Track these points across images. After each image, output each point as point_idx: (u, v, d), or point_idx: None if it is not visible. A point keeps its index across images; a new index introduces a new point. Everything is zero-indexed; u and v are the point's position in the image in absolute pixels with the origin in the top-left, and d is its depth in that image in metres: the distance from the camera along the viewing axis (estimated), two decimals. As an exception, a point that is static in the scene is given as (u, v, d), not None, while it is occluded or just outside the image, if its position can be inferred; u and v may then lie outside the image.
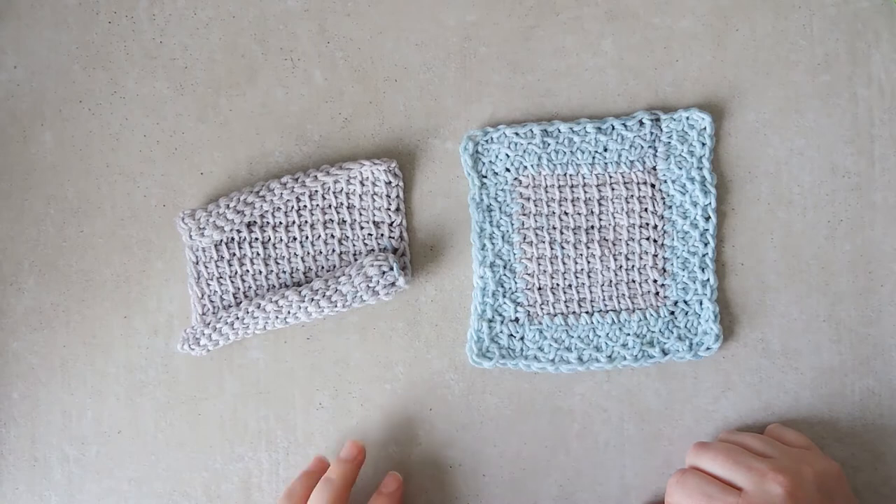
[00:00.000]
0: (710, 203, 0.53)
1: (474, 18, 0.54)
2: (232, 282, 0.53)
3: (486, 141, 0.53)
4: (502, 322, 0.53)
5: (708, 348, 0.53)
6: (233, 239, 0.53)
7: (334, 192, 0.53)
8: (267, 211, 0.52)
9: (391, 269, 0.51)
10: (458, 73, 0.54)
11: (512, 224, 0.53)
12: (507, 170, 0.53)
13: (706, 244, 0.53)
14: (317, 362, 0.54)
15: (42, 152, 0.54)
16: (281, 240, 0.53)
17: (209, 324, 0.52)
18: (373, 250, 0.53)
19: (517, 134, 0.53)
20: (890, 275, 0.54)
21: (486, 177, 0.54)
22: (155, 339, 0.54)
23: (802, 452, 0.49)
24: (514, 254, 0.53)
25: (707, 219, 0.53)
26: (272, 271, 0.53)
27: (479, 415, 0.54)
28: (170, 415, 0.54)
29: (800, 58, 0.54)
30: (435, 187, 0.54)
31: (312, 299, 0.51)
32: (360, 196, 0.53)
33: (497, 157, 0.53)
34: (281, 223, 0.53)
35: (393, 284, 0.51)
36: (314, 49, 0.54)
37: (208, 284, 0.53)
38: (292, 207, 0.53)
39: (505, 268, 0.53)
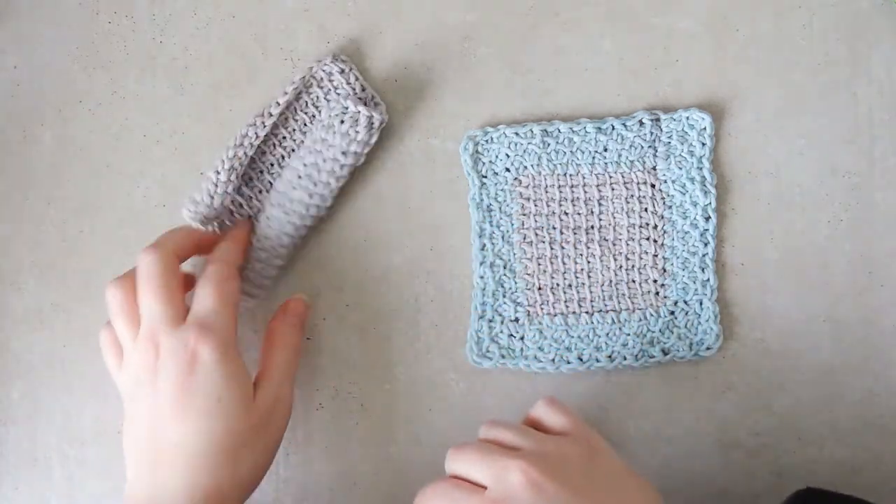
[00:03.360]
0: (710, 203, 0.53)
1: (474, 18, 0.54)
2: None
3: (486, 141, 0.53)
4: (502, 322, 0.53)
5: (708, 348, 0.53)
6: (232, 212, 0.52)
7: (303, 111, 0.53)
8: (255, 165, 0.52)
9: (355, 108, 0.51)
10: (458, 73, 0.54)
11: (512, 224, 0.53)
12: (507, 170, 0.53)
13: (706, 244, 0.53)
14: (317, 362, 0.54)
15: (42, 152, 0.54)
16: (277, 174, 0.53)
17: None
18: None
19: (517, 134, 0.53)
20: (890, 275, 0.54)
21: (486, 177, 0.54)
22: (155, 339, 0.54)
23: (558, 438, 0.44)
24: (514, 254, 0.53)
25: (707, 219, 0.53)
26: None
27: (479, 415, 0.53)
28: (170, 415, 0.54)
29: (800, 58, 0.54)
30: (435, 187, 0.54)
31: (294, 188, 0.51)
32: (325, 98, 0.53)
33: (497, 157, 0.53)
34: (272, 164, 0.53)
35: (370, 124, 0.51)
36: (314, 49, 0.54)
37: None
38: (273, 143, 0.53)
39: (505, 268, 0.53)
